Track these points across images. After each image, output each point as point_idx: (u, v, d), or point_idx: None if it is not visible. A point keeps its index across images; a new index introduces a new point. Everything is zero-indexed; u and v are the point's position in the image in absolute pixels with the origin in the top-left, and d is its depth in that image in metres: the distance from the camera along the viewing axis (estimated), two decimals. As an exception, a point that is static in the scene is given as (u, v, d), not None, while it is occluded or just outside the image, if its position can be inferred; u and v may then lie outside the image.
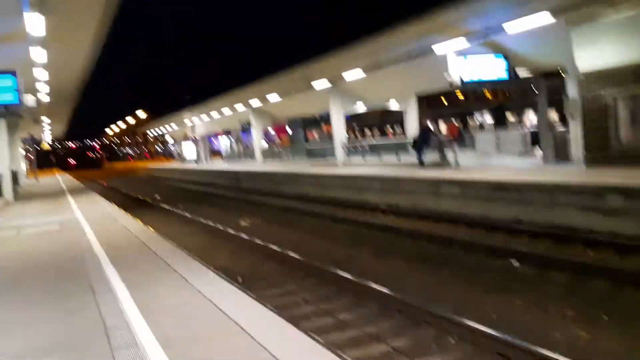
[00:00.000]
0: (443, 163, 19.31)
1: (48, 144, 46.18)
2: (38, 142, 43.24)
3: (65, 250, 8.84)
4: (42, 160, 67.27)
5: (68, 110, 34.05)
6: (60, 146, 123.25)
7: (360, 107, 26.79)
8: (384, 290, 7.41)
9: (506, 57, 16.75)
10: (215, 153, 61.24)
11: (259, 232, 14.29)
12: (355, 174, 19.80)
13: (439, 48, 17.54)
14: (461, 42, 16.65)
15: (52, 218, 13.92)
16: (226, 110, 38.43)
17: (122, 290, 5.80)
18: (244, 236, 13.17)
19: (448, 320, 6.17)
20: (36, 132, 38.54)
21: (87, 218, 13.42)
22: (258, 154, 37.31)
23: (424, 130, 19.73)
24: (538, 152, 18.52)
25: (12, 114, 14.22)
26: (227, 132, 50.76)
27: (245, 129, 47.97)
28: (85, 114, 42.12)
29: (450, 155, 19.28)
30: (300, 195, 21.76)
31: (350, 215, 15.59)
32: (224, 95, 36.71)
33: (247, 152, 45.55)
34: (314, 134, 36.47)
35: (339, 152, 26.39)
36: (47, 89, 20.09)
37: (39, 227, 12.35)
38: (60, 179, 47.00)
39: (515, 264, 8.86)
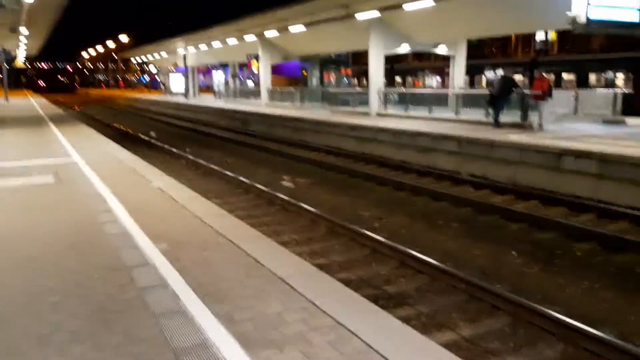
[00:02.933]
0: (524, 124, 15.71)
1: (22, 61, 40.52)
2: (11, 58, 37.77)
3: (80, 243, 4.92)
4: (12, 80, 61.10)
5: (49, 21, 28.89)
6: (30, 66, 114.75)
7: (403, 49, 22.68)
8: None
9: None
10: (204, 88, 56.22)
11: (319, 200, 10.63)
12: (411, 130, 16.01)
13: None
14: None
15: (40, 159, 9.89)
16: (231, 41, 33.63)
17: None
18: (308, 207, 9.46)
19: None
20: (10, 46, 33.26)
21: (91, 163, 9.46)
22: (264, 93, 32.93)
23: (506, 81, 15.90)
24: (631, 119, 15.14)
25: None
26: (223, 66, 45.85)
27: (243, 64, 43.34)
28: (64, 31, 36.49)
29: (533, 115, 15.71)
30: (333, 149, 17.98)
31: (430, 186, 11.97)
32: (230, 22, 31.88)
33: (245, 91, 41.03)
34: (331, 77, 32.23)
35: (374, 100, 22.42)
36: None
37: (21, 176, 8.35)
38: (33, 101, 41.91)
39: None
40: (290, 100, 30.89)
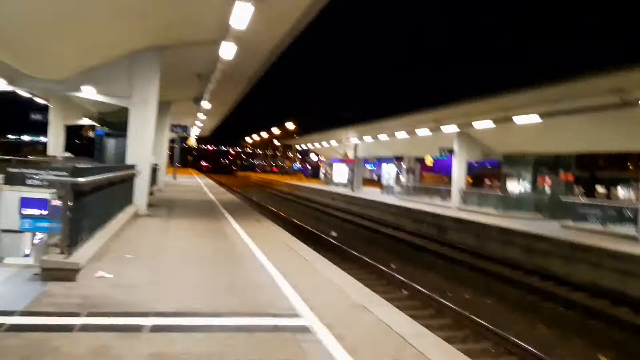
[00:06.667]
0: None
1: (193, 140, 39.96)
2: (185, 137, 36.97)
3: None
4: (180, 158, 62.78)
5: (229, 101, 26.84)
6: (197, 146, 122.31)
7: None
8: None
9: None
10: (367, 181, 52.49)
11: None
12: None
13: None
14: None
15: (241, 315, 5.07)
16: (421, 131, 29.05)
17: None
18: None
19: None
20: (187, 121, 32.00)
21: (340, 336, 4.44)
22: (456, 193, 27.52)
23: None
24: None
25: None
26: (398, 159, 41.62)
27: (419, 159, 38.86)
28: (232, 115, 35.34)
29: None
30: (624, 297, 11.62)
31: None
32: (423, 110, 27.51)
33: (420, 188, 35.98)
34: (547, 180, 25.95)
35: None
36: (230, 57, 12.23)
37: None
38: (199, 181, 40.68)
39: None
40: (491, 206, 25.04)
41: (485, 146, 26.94)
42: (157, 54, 13.04)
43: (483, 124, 23.08)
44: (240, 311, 5.13)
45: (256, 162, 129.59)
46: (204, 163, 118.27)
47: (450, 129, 26.01)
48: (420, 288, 11.51)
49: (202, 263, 7.73)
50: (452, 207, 27.32)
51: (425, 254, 17.45)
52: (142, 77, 12.78)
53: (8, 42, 10.92)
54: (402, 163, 42.12)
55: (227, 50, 12.11)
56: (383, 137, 34.61)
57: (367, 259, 14.55)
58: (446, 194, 30.17)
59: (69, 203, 5.66)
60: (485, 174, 42.76)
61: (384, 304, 5.84)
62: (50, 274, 5.67)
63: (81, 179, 5.77)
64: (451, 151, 27.94)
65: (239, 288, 6.18)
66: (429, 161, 43.94)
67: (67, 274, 5.70)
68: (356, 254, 15.40)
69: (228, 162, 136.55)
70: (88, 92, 12.53)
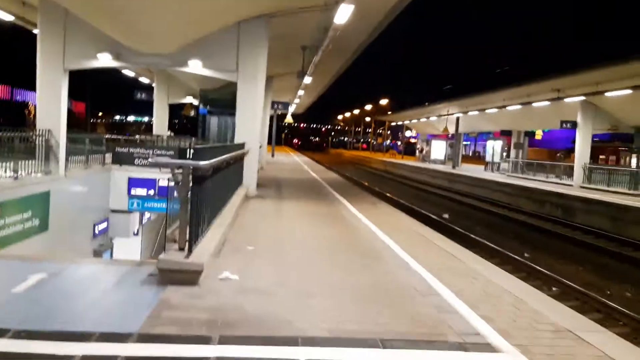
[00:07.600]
0: None
1: (289, 116, 39.45)
2: (282, 114, 36.42)
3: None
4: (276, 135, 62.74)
5: (328, 76, 25.61)
6: (290, 124, 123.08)
7: None
8: None
9: None
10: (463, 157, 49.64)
11: None
12: None
13: None
14: None
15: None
16: (539, 103, 26.34)
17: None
18: None
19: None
20: (286, 97, 31.23)
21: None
22: (579, 169, 24.74)
23: None
24: None
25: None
26: (504, 133, 38.65)
27: (529, 132, 35.79)
28: (331, 91, 34.12)
29: None
30: None
31: None
32: (540, 80, 24.91)
33: (530, 164, 33.02)
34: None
35: None
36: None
37: None
38: (296, 159, 40.17)
39: None
40: (623, 184, 22.23)
41: (615, 118, 23.94)
42: (265, 23, 12.00)
43: (618, 93, 20.28)
44: (409, 337, 3.87)
45: (347, 139, 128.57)
46: (296, 140, 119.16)
47: (574, 98, 23.26)
48: (569, 282, 9.84)
49: (333, 257, 6.58)
50: (573, 185, 24.68)
51: (556, 239, 15.48)
52: (250, 49, 11.79)
53: (113, 13, 10.31)
54: (504, 138, 39.26)
55: (342, 13, 10.80)
56: (491, 110, 32.01)
57: (493, 246, 12.95)
58: (562, 171, 27.47)
59: (188, 192, 4.66)
60: (599, 149, 38.74)
61: (597, 328, 4.35)
62: (169, 276, 4.72)
63: (203, 162, 4.74)
64: (574, 124, 25.09)
65: (391, 296, 4.94)
66: (539, 135, 40.60)
67: (189, 277, 4.73)
68: (480, 239, 13.80)
69: (319, 140, 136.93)
70: (195, 67, 11.73)
